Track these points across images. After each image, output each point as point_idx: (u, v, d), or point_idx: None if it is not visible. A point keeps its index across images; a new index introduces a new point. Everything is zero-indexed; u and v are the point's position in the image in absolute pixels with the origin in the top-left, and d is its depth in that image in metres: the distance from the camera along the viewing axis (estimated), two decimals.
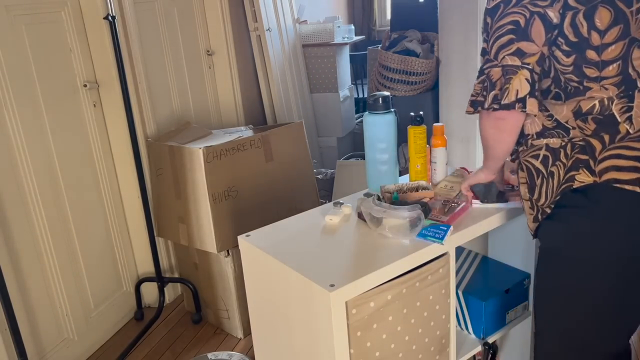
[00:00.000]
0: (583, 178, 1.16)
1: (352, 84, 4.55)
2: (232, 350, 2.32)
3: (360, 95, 4.97)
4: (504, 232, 1.68)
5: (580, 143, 1.17)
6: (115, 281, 2.54)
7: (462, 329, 1.58)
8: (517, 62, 1.14)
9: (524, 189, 1.29)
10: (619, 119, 1.14)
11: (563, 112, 1.18)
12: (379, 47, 3.63)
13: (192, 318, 2.59)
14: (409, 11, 3.78)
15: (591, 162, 1.16)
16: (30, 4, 2.08)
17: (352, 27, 4.48)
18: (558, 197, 1.20)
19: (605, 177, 1.14)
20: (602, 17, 1.11)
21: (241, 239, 1.40)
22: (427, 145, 1.62)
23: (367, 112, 1.57)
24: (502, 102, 1.15)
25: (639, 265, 1.16)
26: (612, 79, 1.14)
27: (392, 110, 1.56)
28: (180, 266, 2.66)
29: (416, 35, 3.55)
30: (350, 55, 4.46)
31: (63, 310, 2.23)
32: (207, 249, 2.28)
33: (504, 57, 1.15)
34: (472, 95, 1.23)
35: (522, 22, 1.13)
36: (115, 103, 2.42)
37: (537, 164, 1.24)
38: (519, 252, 1.65)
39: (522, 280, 1.60)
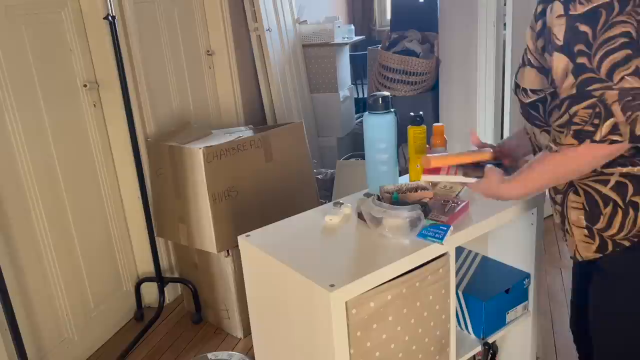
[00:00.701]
0: None
1: (352, 84, 4.55)
2: (232, 350, 2.32)
3: (360, 95, 4.97)
4: (504, 232, 1.68)
5: None
6: (115, 281, 2.54)
7: (462, 329, 1.58)
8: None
9: (577, 215, 1.16)
10: None
11: None
12: (379, 47, 3.63)
13: (192, 318, 2.59)
14: (409, 11, 3.79)
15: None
16: (30, 4, 2.08)
17: (352, 27, 4.48)
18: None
19: None
20: None
21: (241, 239, 1.40)
22: (427, 145, 1.62)
23: (367, 112, 1.57)
24: (637, 134, 0.95)
25: None
26: None
27: (392, 110, 1.56)
28: (180, 266, 2.67)
29: (416, 35, 3.56)
30: (350, 55, 4.46)
31: (63, 310, 2.23)
32: (207, 249, 2.28)
33: (622, 77, 0.94)
34: (576, 124, 0.99)
35: (633, 33, 0.94)
36: (115, 103, 2.42)
37: (606, 190, 1.10)
38: (519, 252, 1.65)
39: (522, 280, 1.60)
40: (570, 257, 1.24)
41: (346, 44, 4.17)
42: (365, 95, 4.77)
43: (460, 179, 1.32)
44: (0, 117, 1.95)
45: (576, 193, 1.16)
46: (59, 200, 2.20)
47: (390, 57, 3.35)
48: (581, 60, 0.98)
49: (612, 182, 1.10)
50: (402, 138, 1.63)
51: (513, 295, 1.58)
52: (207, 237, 2.26)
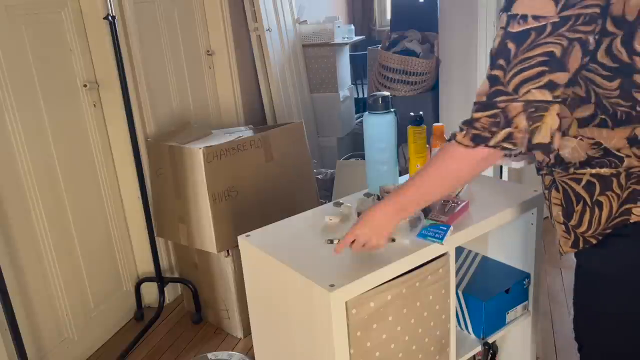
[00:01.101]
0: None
1: (352, 84, 4.55)
2: (232, 350, 2.32)
3: (360, 95, 4.97)
4: (504, 232, 1.68)
5: (638, 173, 1.09)
6: (115, 281, 2.54)
7: (462, 329, 1.58)
8: (548, 97, 1.01)
9: (557, 211, 1.21)
10: None
11: (613, 139, 1.08)
12: (379, 47, 3.63)
13: (192, 318, 2.59)
14: (409, 11, 3.79)
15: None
16: (30, 4, 2.08)
17: (352, 27, 4.48)
18: (609, 230, 1.13)
19: None
20: None
21: (241, 239, 1.40)
22: (427, 145, 1.62)
23: (367, 112, 1.57)
24: (534, 142, 1.03)
25: None
26: None
27: (392, 110, 1.56)
28: (180, 266, 2.67)
29: (416, 35, 3.56)
30: (350, 55, 4.46)
31: (63, 310, 2.23)
32: (207, 249, 2.28)
33: (528, 90, 1.01)
34: (476, 129, 1.07)
35: (557, 52, 1.00)
36: (115, 103, 2.42)
37: (579, 188, 1.15)
38: (519, 252, 1.65)
39: (522, 280, 1.60)
40: (559, 252, 1.27)
41: (346, 44, 4.17)
42: (365, 95, 4.77)
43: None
44: (0, 117, 1.95)
45: (557, 190, 1.20)
46: (59, 200, 2.20)
47: (390, 57, 3.35)
48: (497, 72, 1.05)
49: (584, 181, 1.14)
50: (402, 138, 1.63)
51: (513, 295, 1.58)
52: (207, 237, 2.26)
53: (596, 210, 1.14)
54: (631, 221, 1.10)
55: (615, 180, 1.11)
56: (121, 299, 2.57)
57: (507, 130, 1.04)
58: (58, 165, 2.19)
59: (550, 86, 1.01)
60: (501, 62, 1.05)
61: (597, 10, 0.99)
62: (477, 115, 1.08)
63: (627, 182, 1.10)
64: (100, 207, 2.44)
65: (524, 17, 1.02)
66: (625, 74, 1.03)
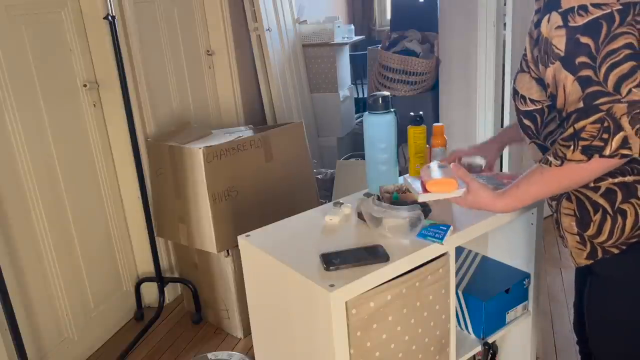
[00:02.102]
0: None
1: (352, 84, 4.55)
2: (232, 350, 2.32)
3: (360, 95, 4.97)
4: (504, 232, 1.68)
5: None
6: (115, 281, 2.54)
7: (462, 329, 1.58)
8: None
9: (569, 221, 1.15)
10: None
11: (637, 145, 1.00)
12: (379, 47, 3.63)
13: (192, 318, 2.59)
14: (409, 11, 3.79)
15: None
16: (30, 4, 2.08)
17: (352, 27, 4.48)
18: (634, 240, 1.09)
19: None
20: None
21: (241, 239, 1.40)
22: (427, 145, 1.62)
23: (367, 112, 1.57)
24: None
25: None
26: None
27: (392, 110, 1.56)
28: (180, 266, 2.67)
29: (416, 35, 3.56)
30: (350, 55, 4.46)
31: (63, 310, 2.23)
32: (207, 249, 2.28)
33: (630, 90, 0.93)
34: (584, 139, 0.97)
35: (636, 43, 0.93)
36: (115, 103, 2.42)
37: (596, 197, 1.10)
38: (519, 252, 1.65)
39: (522, 280, 1.60)
40: (572, 263, 1.24)
41: (346, 44, 4.17)
42: (365, 95, 4.77)
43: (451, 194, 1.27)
44: (0, 117, 1.95)
45: (569, 200, 1.16)
46: (59, 200, 2.20)
47: (390, 57, 3.35)
48: (586, 72, 0.96)
49: (602, 189, 1.09)
50: (402, 138, 1.62)
51: (513, 295, 1.58)
52: (207, 237, 2.26)
53: (619, 219, 1.09)
54: None
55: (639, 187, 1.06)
56: (121, 299, 2.57)
57: (622, 134, 0.95)
58: (58, 165, 2.19)
59: None
60: (583, 59, 0.96)
61: None
62: (580, 124, 0.97)
63: None
64: (100, 207, 2.44)
65: (584, 8, 0.95)
66: None
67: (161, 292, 2.63)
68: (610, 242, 1.11)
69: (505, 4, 2.87)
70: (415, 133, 1.60)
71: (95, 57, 2.40)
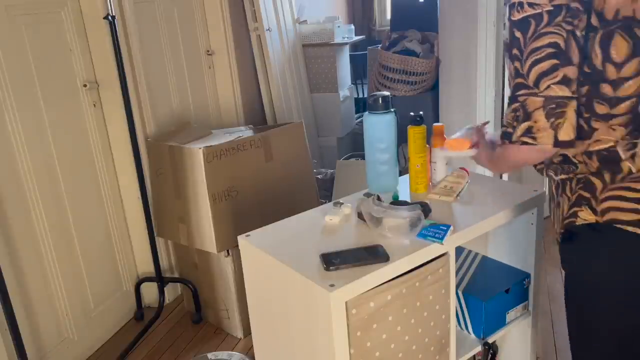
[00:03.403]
0: (585, 216, 1.13)
1: (352, 84, 4.55)
2: (232, 350, 2.32)
3: (360, 95, 4.97)
4: (504, 232, 1.68)
5: (584, 179, 1.13)
6: (115, 281, 2.54)
7: (462, 329, 1.58)
8: (567, 93, 1.02)
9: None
10: (623, 157, 1.08)
11: (572, 150, 1.11)
12: (379, 47, 3.63)
13: (192, 318, 2.59)
14: (409, 11, 3.79)
15: (592, 201, 1.11)
16: (30, 4, 2.08)
17: (352, 27, 4.48)
18: (563, 230, 1.19)
19: (607, 217, 1.10)
20: (619, 47, 1.02)
21: (241, 239, 1.40)
22: (427, 145, 1.62)
23: (367, 112, 1.57)
24: (560, 139, 1.04)
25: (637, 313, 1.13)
26: (621, 117, 1.05)
27: (392, 110, 1.56)
28: (180, 266, 2.67)
29: (416, 35, 3.56)
30: (350, 55, 4.46)
31: (63, 310, 2.23)
32: (207, 249, 2.28)
33: (548, 86, 1.02)
34: (503, 125, 1.11)
35: (561, 43, 1.01)
36: (115, 103, 2.42)
37: (553, 185, 1.22)
38: (519, 252, 1.65)
39: (522, 280, 1.60)
40: None
41: (346, 43, 4.17)
42: (365, 95, 4.77)
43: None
44: (0, 117, 1.95)
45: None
46: (59, 200, 2.20)
47: (390, 57, 3.35)
48: (516, 64, 1.07)
49: (555, 182, 1.21)
50: (402, 138, 1.62)
51: (513, 295, 1.58)
52: (207, 237, 2.26)
53: (557, 210, 1.21)
54: (577, 223, 1.14)
55: (568, 184, 1.16)
56: (121, 299, 2.57)
57: (527, 123, 1.05)
58: (58, 165, 2.19)
59: (566, 81, 1.02)
60: (515, 51, 1.06)
61: (579, 5, 1.01)
62: (506, 112, 1.10)
63: (576, 187, 1.14)
64: (100, 207, 2.44)
65: (521, 5, 1.04)
66: (593, 81, 1.04)
67: (161, 292, 2.63)
68: (556, 228, 1.23)
69: (505, 4, 2.86)
70: (415, 133, 1.60)
71: (95, 57, 2.40)
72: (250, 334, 1.88)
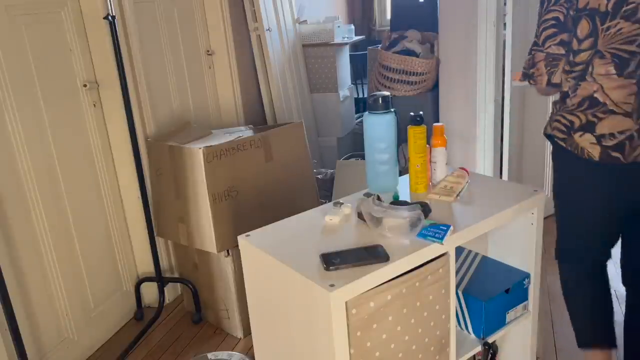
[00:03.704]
0: (547, 128, 1.73)
1: (352, 84, 4.55)
2: (232, 350, 2.32)
3: (360, 95, 4.97)
4: (504, 232, 1.68)
5: (554, 106, 1.71)
6: (115, 281, 2.54)
7: (462, 329, 1.57)
8: (562, 51, 1.56)
9: None
10: (570, 95, 1.61)
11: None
12: (379, 47, 3.63)
13: (192, 318, 2.59)
14: (409, 11, 3.79)
15: (551, 119, 1.71)
16: (30, 4, 2.08)
17: (352, 27, 4.48)
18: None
19: (553, 132, 1.69)
20: (583, 27, 1.52)
21: (241, 239, 1.40)
22: (427, 145, 1.62)
23: (367, 112, 1.57)
24: (552, 82, 1.59)
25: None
26: (574, 73, 1.58)
27: (392, 110, 1.56)
28: (180, 266, 2.67)
29: (416, 35, 3.56)
30: (350, 55, 4.46)
31: (63, 310, 2.23)
32: (207, 249, 2.28)
33: (549, 46, 1.56)
34: (524, 68, 1.64)
35: (561, 17, 1.53)
36: (115, 103, 2.42)
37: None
38: (519, 252, 1.65)
39: (522, 280, 1.60)
40: None
41: (346, 43, 4.17)
42: (365, 95, 4.77)
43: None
44: (0, 117, 1.95)
45: None
46: (59, 200, 2.20)
47: (390, 57, 3.35)
48: (536, 29, 1.60)
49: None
50: (402, 138, 1.62)
51: (513, 295, 1.58)
52: (207, 237, 2.26)
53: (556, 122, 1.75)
54: (543, 132, 1.76)
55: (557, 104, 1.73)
56: (121, 299, 2.57)
57: (532, 70, 1.62)
58: (58, 165, 2.19)
59: (562, 43, 1.56)
60: (538, 21, 1.60)
61: None
62: (526, 58, 1.65)
63: (553, 108, 1.73)
64: (100, 207, 2.44)
65: None
66: (566, 54, 1.57)
67: (161, 292, 2.64)
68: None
69: (505, 4, 2.86)
70: (415, 133, 1.60)
71: (95, 57, 2.40)
72: (250, 334, 1.88)
